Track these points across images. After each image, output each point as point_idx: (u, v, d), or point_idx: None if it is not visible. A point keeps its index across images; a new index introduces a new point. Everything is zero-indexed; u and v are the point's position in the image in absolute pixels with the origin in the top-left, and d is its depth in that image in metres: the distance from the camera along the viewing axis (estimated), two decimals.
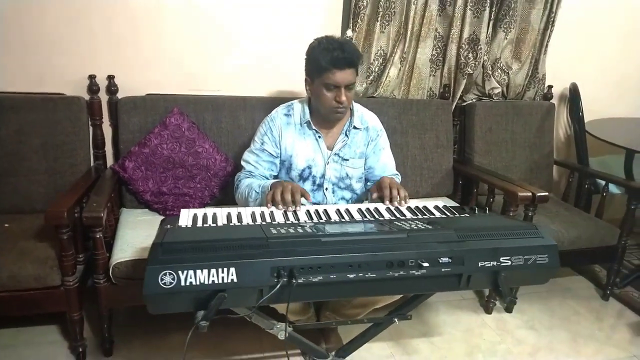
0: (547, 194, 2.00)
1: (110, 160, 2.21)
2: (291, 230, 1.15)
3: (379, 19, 2.29)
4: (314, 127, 1.72)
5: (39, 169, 2.00)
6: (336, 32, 2.32)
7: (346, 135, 1.75)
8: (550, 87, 2.70)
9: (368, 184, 1.83)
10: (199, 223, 1.27)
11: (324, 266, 1.06)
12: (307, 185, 1.76)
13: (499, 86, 2.56)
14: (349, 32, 2.28)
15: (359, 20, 2.27)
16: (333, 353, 1.45)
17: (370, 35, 2.33)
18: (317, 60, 1.56)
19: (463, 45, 2.45)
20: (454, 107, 2.56)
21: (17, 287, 1.59)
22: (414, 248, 1.12)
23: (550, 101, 2.71)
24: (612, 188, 2.47)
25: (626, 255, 2.77)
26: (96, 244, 1.62)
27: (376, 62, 2.38)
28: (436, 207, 1.50)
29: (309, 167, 1.74)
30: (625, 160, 2.41)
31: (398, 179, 1.87)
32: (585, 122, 2.68)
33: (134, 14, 2.08)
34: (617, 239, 2.25)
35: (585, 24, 2.67)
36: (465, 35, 2.43)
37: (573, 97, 2.70)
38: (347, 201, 1.82)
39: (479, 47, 2.44)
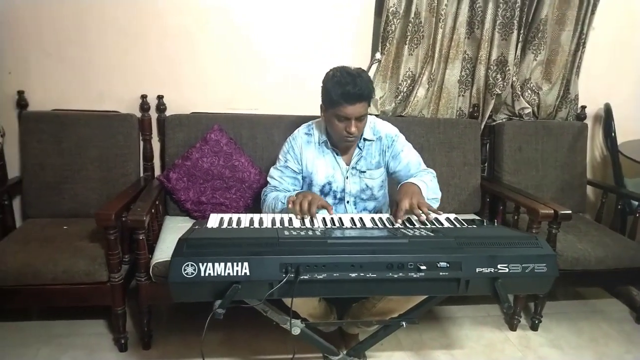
0: (569, 212, 2.01)
1: (157, 172, 2.43)
2: (302, 233, 1.28)
3: (407, 42, 2.41)
4: (330, 146, 1.84)
5: (94, 178, 2.25)
6: (366, 54, 2.47)
7: (360, 148, 1.86)
8: (583, 107, 2.70)
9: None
10: (225, 225, 1.42)
11: (328, 265, 1.18)
12: (329, 200, 1.87)
13: (529, 106, 2.59)
14: (378, 55, 2.41)
15: (388, 44, 2.39)
16: (345, 352, 1.53)
17: (399, 58, 2.45)
18: (329, 92, 1.64)
19: (491, 67, 2.52)
20: (483, 126, 2.61)
21: (70, 281, 1.80)
22: (413, 252, 1.22)
23: (584, 121, 2.70)
24: None
25: None
26: (139, 245, 1.81)
27: (404, 83, 2.49)
28: (447, 219, 1.57)
29: (329, 183, 1.86)
30: None
31: (432, 174, 1.89)
32: (619, 142, 2.65)
33: (181, 38, 2.32)
34: None
35: (618, 45, 2.67)
36: (494, 57, 2.50)
37: (606, 117, 2.68)
38: (370, 212, 1.91)
39: (507, 68, 2.50)
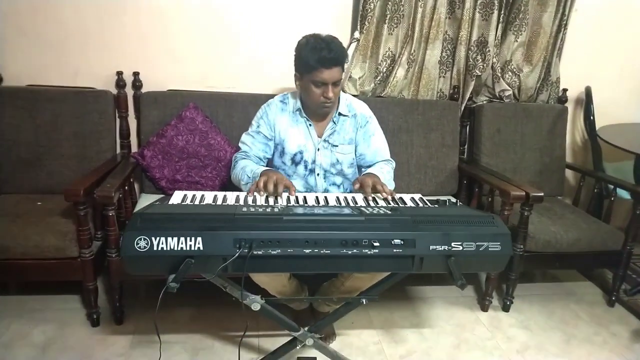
0: (541, 194, 2.02)
1: (135, 149, 2.42)
2: (260, 210, 1.28)
3: (387, 21, 2.38)
4: (305, 115, 1.84)
5: (70, 155, 2.24)
6: (345, 32, 2.45)
7: (334, 122, 1.86)
8: (565, 90, 2.69)
9: (363, 170, 1.91)
10: (187, 202, 1.43)
11: (282, 241, 1.18)
12: (300, 170, 1.88)
13: (509, 88, 2.58)
14: (357, 34, 2.39)
15: (367, 23, 2.37)
16: (306, 328, 1.55)
17: (379, 37, 2.43)
18: (305, 58, 1.67)
19: (472, 48, 2.50)
20: (463, 108, 2.60)
21: (40, 255, 1.81)
22: (368, 229, 1.22)
23: (565, 104, 2.69)
24: (624, 194, 2.44)
25: None
26: (109, 221, 1.81)
27: (384, 63, 2.47)
28: (412, 199, 1.58)
29: (300, 152, 1.86)
30: (634, 165, 2.38)
31: (391, 165, 1.93)
32: (598, 126, 2.64)
33: (158, 14, 2.29)
34: (621, 244, 2.23)
35: (600, 28, 2.65)
36: (474, 37, 2.48)
37: (587, 101, 2.68)
38: (338, 186, 1.92)
39: (487, 49, 2.48)
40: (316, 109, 1.78)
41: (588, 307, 2.34)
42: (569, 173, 2.81)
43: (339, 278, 1.88)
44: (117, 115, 2.35)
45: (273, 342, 1.83)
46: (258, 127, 1.88)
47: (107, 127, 2.29)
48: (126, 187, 2.08)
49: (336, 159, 1.87)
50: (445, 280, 2.38)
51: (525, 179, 2.56)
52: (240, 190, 1.73)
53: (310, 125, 1.86)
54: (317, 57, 1.63)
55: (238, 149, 1.91)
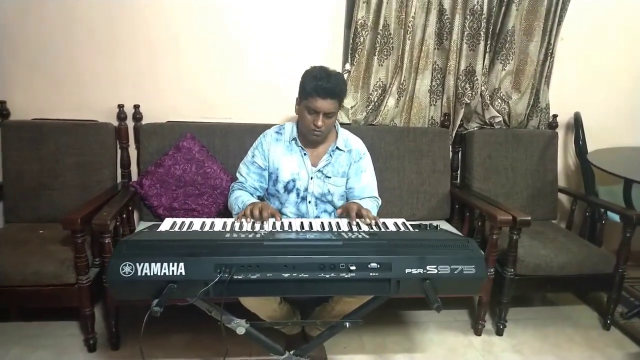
0: (528, 218, 2.05)
1: (135, 179, 2.50)
2: (242, 236, 1.34)
3: (377, 53, 2.47)
4: (300, 145, 1.91)
5: (72, 184, 2.32)
6: (337, 64, 2.54)
7: (330, 155, 1.93)
8: (555, 116, 2.74)
9: None
10: (176, 229, 1.49)
11: (262, 265, 1.23)
12: (292, 197, 1.94)
13: (499, 115, 2.64)
14: (347, 66, 2.48)
15: (357, 55, 2.46)
16: (292, 352, 1.58)
17: (369, 68, 2.52)
18: (304, 84, 1.78)
19: (460, 77, 2.57)
20: (454, 135, 2.66)
21: (39, 282, 1.87)
22: (345, 253, 1.27)
23: (556, 130, 2.74)
24: (615, 217, 2.45)
25: None
26: (105, 249, 1.87)
27: (375, 93, 2.55)
28: (395, 224, 1.62)
29: (293, 180, 1.93)
30: (624, 189, 2.40)
31: (376, 202, 1.99)
32: (589, 151, 2.68)
33: (157, 50, 2.41)
34: (613, 267, 2.23)
35: (587, 54, 2.72)
36: (462, 67, 2.56)
37: (576, 126, 2.72)
38: (330, 214, 1.97)
39: (475, 78, 2.55)
40: (306, 135, 1.86)
41: (583, 331, 2.33)
42: (563, 197, 2.84)
43: (330, 303, 1.92)
44: (118, 146, 2.44)
45: None
46: (253, 157, 1.96)
47: (108, 158, 2.38)
48: (124, 215, 2.15)
49: (328, 189, 1.93)
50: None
51: (518, 204, 2.59)
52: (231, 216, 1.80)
53: (305, 154, 1.92)
54: (314, 85, 1.73)
55: (235, 178, 2.00)
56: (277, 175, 1.93)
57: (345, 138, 1.98)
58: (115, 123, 2.43)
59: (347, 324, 1.51)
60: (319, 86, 1.72)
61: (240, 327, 1.45)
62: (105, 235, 1.86)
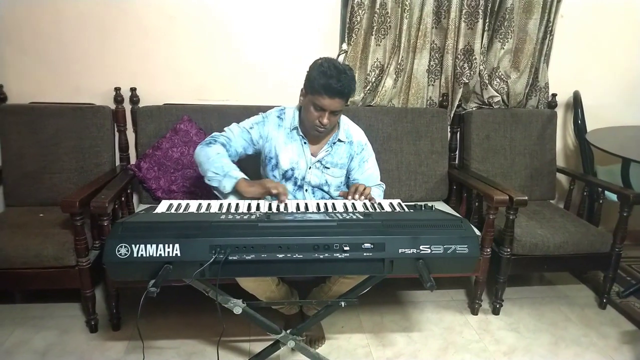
0: (525, 197, 2.05)
1: (133, 162, 2.51)
2: (237, 217, 1.35)
3: (374, 33, 2.45)
4: (301, 134, 1.90)
5: (70, 168, 2.34)
6: (334, 45, 2.52)
7: (330, 146, 1.92)
8: (554, 95, 2.72)
9: None
10: (172, 211, 1.50)
11: (256, 246, 1.25)
12: (289, 185, 1.94)
13: (497, 94, 2.62)
14: (344, 46, 2.46)
15: (354, 35, 2.44)
16: (288, 331, 1.61)
17: (367, 48, 2.49)
18: (313, 79, 1.69)
19: (459, 56, 2.55)
20: (452, 115, 2.65)
21: (40, 265, 1.90)
22: (339, 234, 1.28)
23: (555, 109, 2.73)
24: (612, 196, 2.45)
25: (638, 265, 2.74)
26: (103, 231, 1.89)
27: (373, 73, 2.53)
28: (390, 205, 1.63)
29: (292, 169, 1.92)
30: (621, 168, 2.40)
31: (381, 189, 1.97)
32: (588, 130, 2.67)
33: (153, 32, 2.39)
34: (609, 246, 2.25)
35: (587, 32, 2.68)
36: (460, 46, 2.53)
37: (575, 105, 2.71)
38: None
39: (474, 57, 2.53)
40: (309, 129, 1.83)
41: (579, 310, 2.35)
42: (561, 177, 2.84)
43: (327, 283, 1.94)
44: (115, 129, 2.44)
45: (264, 347, 1.88)
46: (251, 128, 1.90)
47: (106, 141, 2.38)
48: (122, 198, 2.16)
49: (325, 180, 1.92)
50: (436, 283, 2.42)
51: (516, 184, 2.60)
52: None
53: (305, 143, 1.90)
54: (323, 82, 1.66)
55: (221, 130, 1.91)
56: (278, 162, 1.91)
57: (347, 128, 1.95)
58: (113, 106, 2.42)
59: (343, 303, 1.53)
60: (329, 85, 1.65)
61: (237, 307, 1.48)
62: (104, 217, 1.87)
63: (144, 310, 1.23)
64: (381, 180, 2.00)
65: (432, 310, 2.30)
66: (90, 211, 1.85)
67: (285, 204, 1.60)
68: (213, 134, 1.89)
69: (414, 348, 2.02)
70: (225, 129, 1.91)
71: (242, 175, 1.74)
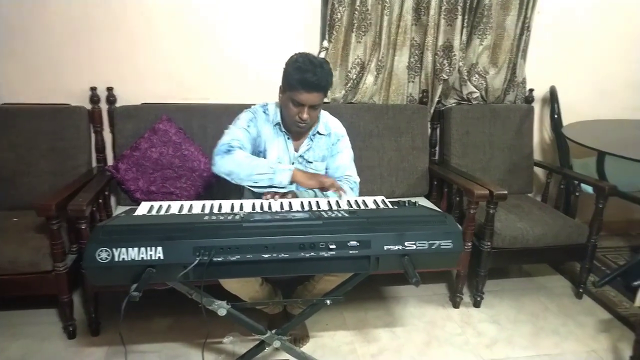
0: (505, 192, 2.09)
1: (110, 163, 2.45)
2: (221, 218, 1.33)
3: (355, 29, 2.45)
4: (283, 130, 1.89)
5: (46, 171, 2.27)
6: (315, 42, 2.51)
7: (311, 140, 1.91)
8: (531, 90, 2.77)
9: None
10: (153, 213, 1.47)
11: (241, 247, 1.23)
12: None
13: (476, 90, 2.65)
14: (325, 43, 2.45)
15: (335, 32, 2.43)
16: (273, 331, 1.60)
17: (347, 45, 2.49)
18: (290, 75, 1.68)
19: (438, 52, 2.57)
20: (432, 111, 2.67)
21: (15, 271, 1.84)
22: (325, 233, 1.28)
23: (532, 104, 2.78)
24: (588, 189, 2.52)
25: (614, 256, 2.82)
26: (80, 234, 1.85)
27: (354, 70, 2.53)
28: (374, 202, 1.63)
29: None
30: (597, 161, 2.46)
31: (350, 184, 1.92)
32: (564, 124, 2.73)
33: (130, 29, 2.34)
34: (586, 237, 2.30)
35: (563, 28, 2.74)
36: (440, 42, 2.55)
37: (551, 100, 2.76)
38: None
39: (453, 53, 2.55)
40: (291, 126, 1.81)
41: (557, 300, 2.41)
42: (538, 170, 2.89)
43: (311, 282, 1.93)
44: (92, 130, 2.38)
45: (248, 347, 1.87)
46: (248, 126, 1.84)
47: (82, 142, 2.32)
48: (100, 200, 2.12)
49: None
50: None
51: (495, 178, 2.63)
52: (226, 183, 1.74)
53: (288, 139, 1.88)
54: (299, 77, 1.64)
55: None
56: (265, 157, 1.90)
57: (326, 121, 1.94)
58: (89, 106, 2.36)
59: (328, 301, 1.53)
60: (305, 79, 1.64)
61: (222, 308, 1.46)
62: (82, 221, 1.83)
63: (125, 314, 1.20)
64: (362, 177, 1.98)
65: (415, 304, 2.32)
66: (67, 214, 1.81)
67: (269, 203, 1.59)
68: (220, 143, 1.76)
69: (397, 343, 2.04)
70: (226, 133, 1.80)
71: (290, 165, 1.74)
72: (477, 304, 2.32)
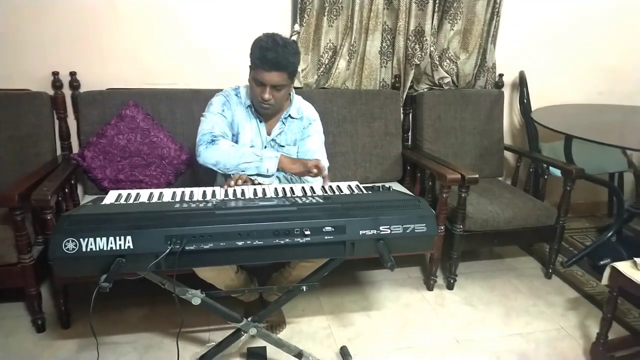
0: (476, 176, 2.12)
1: (76, 151, 2.37)
2: (192, 205, 1.29)
3: (326, 13, 2.42)
4: (255, 113, 1.85)
5: (7, 160, 2.17)
6: (287, 26, 2.46)
7: (283, 123, 1.88)
8: (501, 75, 2.80)
9: None
10: (121, 201, 1.42)
11: (214, 235, 1.21)
12: None
13: (447, 76, 2.66)
14: (296, 27, 2.41)
15: (306, 15, 2.39)
16: (249, 318, 1.59)
17: (319, 29, 2.46)
18: (252, 54, 1.67)
19: (410, 37, 2.57)
20: (404, 96, 2.68)
21: None
22: (300, 219, 1.26)
23: (502, 89, 2.81)
24: (556, 172, 2.58)
25: (581, 237, 2.90)
26: (46, 225, 1.78)
27: (326, 55, 2.51)
28: (348, 187, 1.62)
29: (251, 148, 1.87)
30: (564, 145, 2.51)
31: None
32: (533, 109, 2.77)
33: (94, 12, 2.24)
34: (555, 219, 2.36)
35: (532, 13, 2.77)
36: (412, 27, 2.55)
37: (520, 84, 2.80)
38: (280, 181, 1.93)
39: (425, 38, 2.55)
40: (257, 107, 1.79)
41: (528, 280, 2.47)
42: (508, 154, 2.94)
43: (287, 268, 1.93)
44: (55, 116, 2.29)
45: (224, 336, 1.85)
46: (222, 111, 1.81)
47: (45, 129, 2.23)
48: (66, 190, 2.04)
49: None
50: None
51: (466, 163, 2.67)
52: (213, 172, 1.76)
53: (260, 122, 1.86)
54: (259, 55, 1.63)
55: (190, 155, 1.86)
56: (238, 140, 1.86)
57: (298, 106, 1.92)
58: (51, 92, 2.27)
59: (305, 287, 1.52)
60: (264, 57, 1.62)
61: (196, 297, 1.44)
62: (47, 211, 1.76)
63: (96, 306, 1.17)
64: (336, 162, 1.97)
65: (390, 288, 2.34)
66: (31, 204, 1.74)
67: (242, 190, 1.56)
68: (201, 132, 1.75)
69: (373, 326, 2.05)
70: (203, 121, 1.78)
71: (276, 152, 1.73)
72: (450, 286, 2.35)
